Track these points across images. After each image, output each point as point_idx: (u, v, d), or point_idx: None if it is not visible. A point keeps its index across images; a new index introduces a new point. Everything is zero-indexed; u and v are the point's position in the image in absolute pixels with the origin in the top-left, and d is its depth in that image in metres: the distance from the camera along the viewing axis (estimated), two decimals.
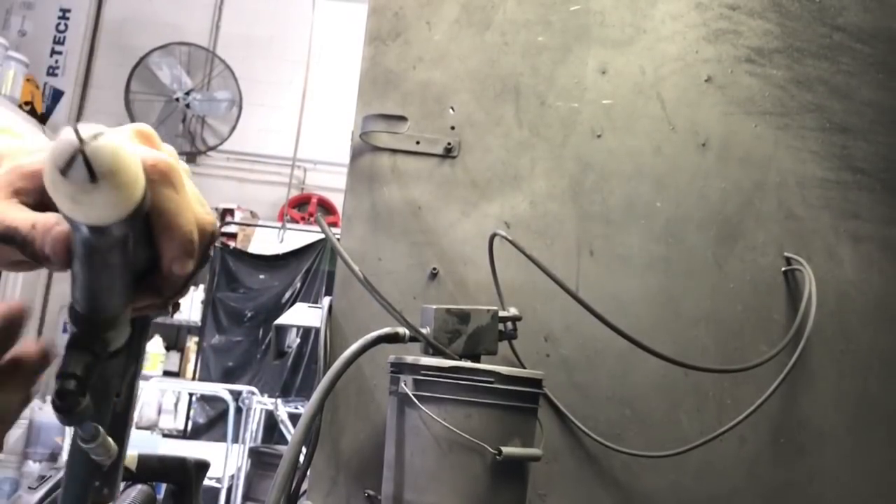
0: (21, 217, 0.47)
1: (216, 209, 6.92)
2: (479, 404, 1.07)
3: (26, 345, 0.44)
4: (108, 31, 7.66)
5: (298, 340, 5.78)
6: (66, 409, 0.44)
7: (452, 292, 1.33)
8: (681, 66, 1.39)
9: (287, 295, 6.43)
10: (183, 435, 6.43)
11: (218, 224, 0.54)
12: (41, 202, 0.48)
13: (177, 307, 0.55)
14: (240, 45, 7.49)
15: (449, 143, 1.37)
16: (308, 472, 1.30)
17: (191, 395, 6.50)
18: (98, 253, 0.44)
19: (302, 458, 1.24)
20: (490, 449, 1.05)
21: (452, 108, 1.38)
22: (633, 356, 1.26)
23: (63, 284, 6.62)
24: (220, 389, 5.57)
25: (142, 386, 5.02)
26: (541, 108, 1.38)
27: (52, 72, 7.45)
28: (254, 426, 5.45)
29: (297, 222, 7.07)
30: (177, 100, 7.30)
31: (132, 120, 7.12)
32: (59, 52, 7.53)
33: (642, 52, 1.39)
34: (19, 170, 0.49)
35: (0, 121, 0.57)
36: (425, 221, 1.35)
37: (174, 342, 7.06)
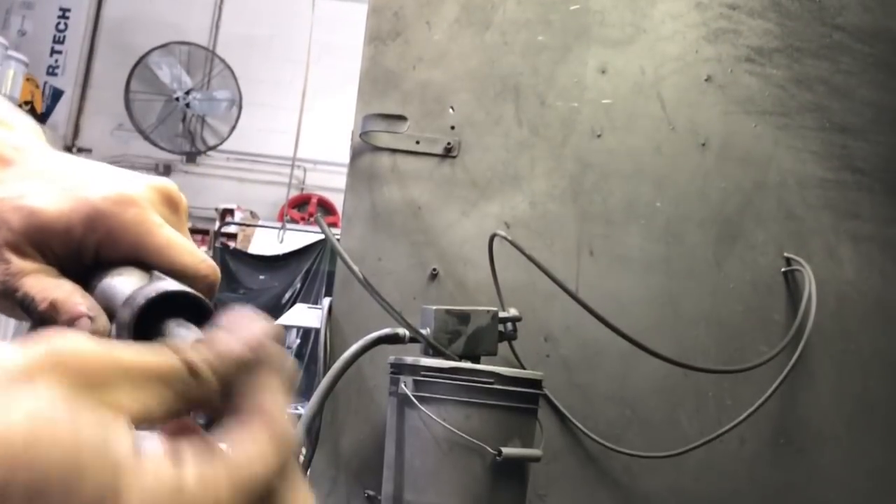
0: (38, 287, 0.41)
1: (216, 209, 6.92)
2: (478, 405, 1.07)
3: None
4: (107, 31, 7.65)
5: (298, 341, 5.77)
6: None
7: (452, 293, 1.33)
8: (681, 65, 1.39)
9: (287, 295, 6.43)
10: None
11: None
12: (55, 255, 0.42)
13: None
14: (240, 44, 7.49)
15: (449, 143, 1.37)
16: (308, 472, 1.30)
17: None
18: None
19: (302, 459, 1.24)
20: (490, 449, 1.05)
21: (452, 108, 1.38)
22: (633, 357, 1.26)
23: None
24: None
25: None
26: (541, 108, 1.38)
27: (51, 71, 7.45)
28: None
29: (297, 222, 7.07)
30: (177, 99, 7.30)
31: (132, 119, 7.12)
32: (59, 52, 7.53)
33: (642, 52, 1.39)
34: (34, 218, 0.42)
35: None
36: (425, 221, 1.35)
37: None
